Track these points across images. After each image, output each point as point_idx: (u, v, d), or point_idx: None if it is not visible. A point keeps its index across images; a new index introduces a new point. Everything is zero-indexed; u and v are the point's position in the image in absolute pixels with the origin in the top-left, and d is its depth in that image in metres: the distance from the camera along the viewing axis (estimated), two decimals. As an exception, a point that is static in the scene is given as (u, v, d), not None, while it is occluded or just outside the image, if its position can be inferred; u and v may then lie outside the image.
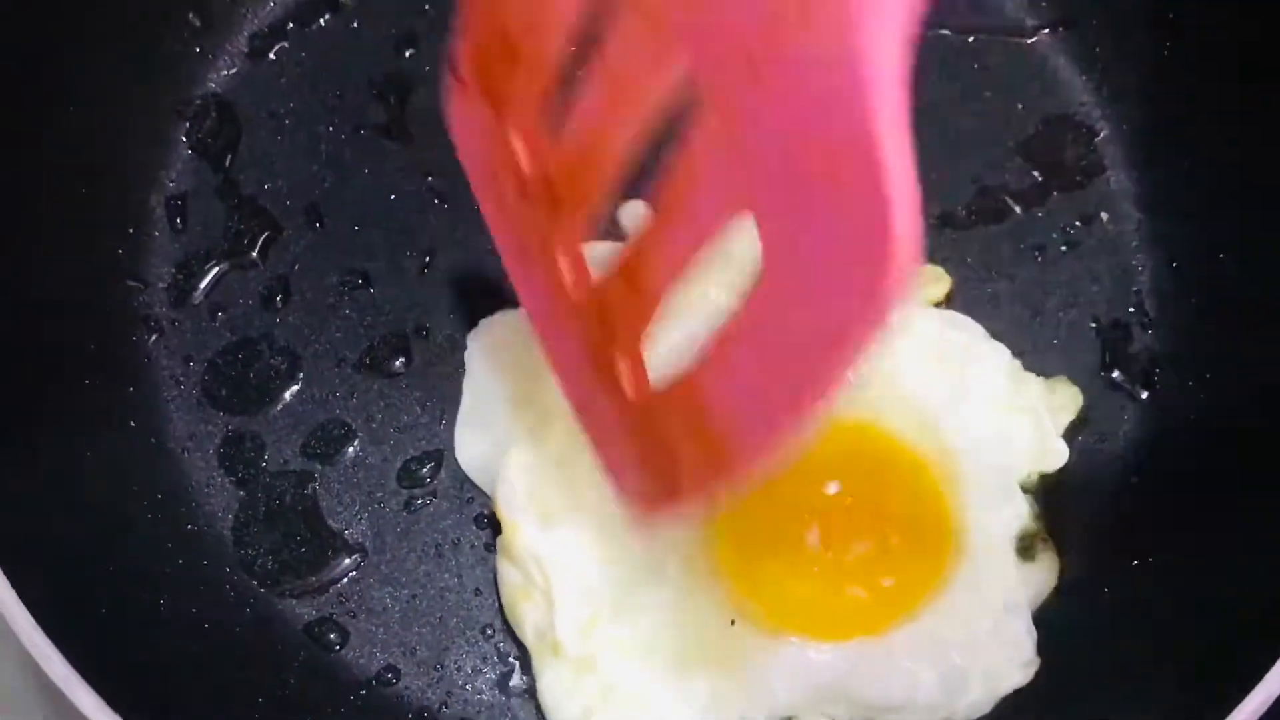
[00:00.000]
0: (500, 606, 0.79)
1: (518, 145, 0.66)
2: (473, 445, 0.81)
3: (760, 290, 0.54)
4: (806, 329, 0.52)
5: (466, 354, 0.83)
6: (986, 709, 0.75)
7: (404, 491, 0.81)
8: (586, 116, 0.62)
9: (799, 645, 0.74)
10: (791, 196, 0.50)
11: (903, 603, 0.75)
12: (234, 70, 0.89)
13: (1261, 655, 0.64)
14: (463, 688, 0.78)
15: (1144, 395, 0.83)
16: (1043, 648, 0.76)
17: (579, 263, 0.67)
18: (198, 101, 0.88)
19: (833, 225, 0.48)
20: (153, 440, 0.82)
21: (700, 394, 0.59)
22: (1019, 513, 0.78)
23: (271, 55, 0.89)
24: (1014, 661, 0.75)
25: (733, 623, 0.74)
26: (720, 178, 0.55)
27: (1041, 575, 0.78)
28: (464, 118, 0.70)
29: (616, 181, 0.62)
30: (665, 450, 0.63)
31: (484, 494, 0.81)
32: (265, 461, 0.82)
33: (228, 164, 0.87)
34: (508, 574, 0.78)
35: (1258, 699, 0.63)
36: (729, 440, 0.58)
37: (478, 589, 0.80)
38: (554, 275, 0.67)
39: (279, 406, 0.83)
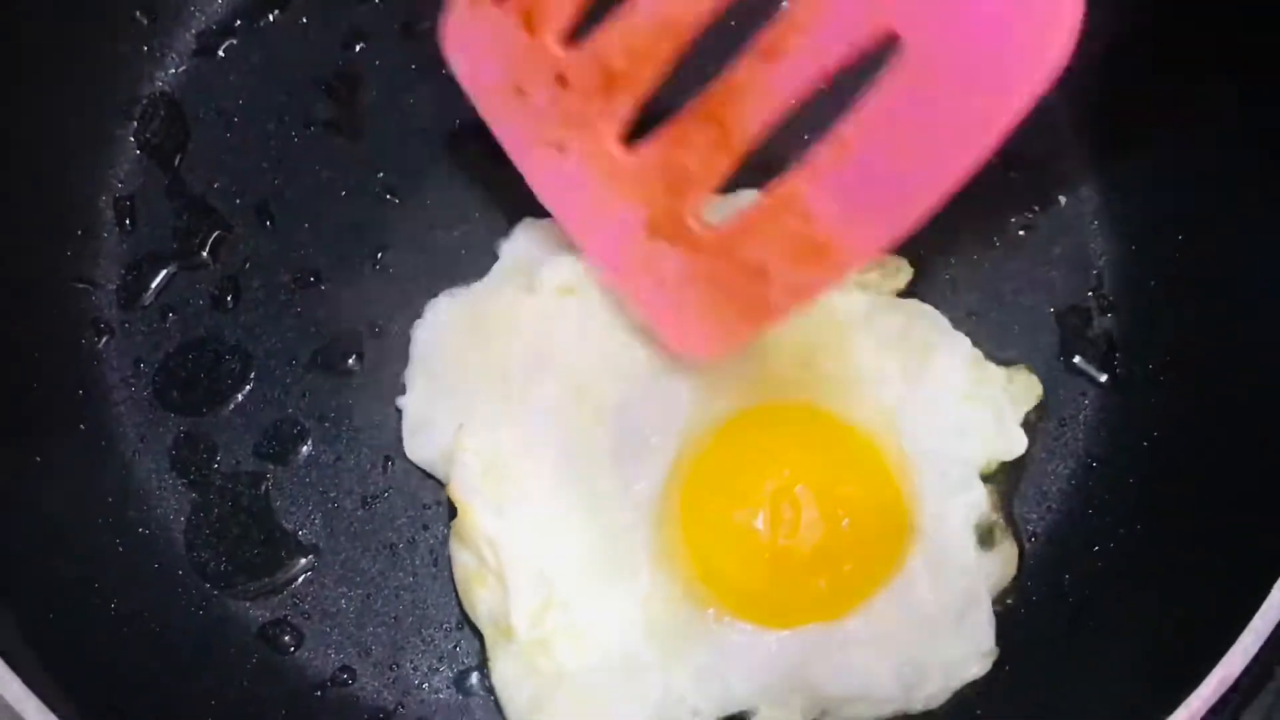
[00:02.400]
0: (457, 601, 0.78)
1: (553, 46, 0.72)
2: (421, 435, 0.81)
3: (896, 80, 0.61)
4: (953, 106, 0.60)
5: (411, 344, 0.82)
6: (943, 699, 0.75)
7: (358, 490, 0.81)
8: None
9: (755, 634, 0.74)
10: None
11: (858, 590, 0.74)
12: (182, 68, 0.88)
13: (1219, 639, 0.63)
14: (419, 687, 0.78)
15: (1104, 379, 0.82)
16: (1001, 635, 0.75)
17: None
18: (145, 101, 0.87)
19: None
20: (103, 444, 0.81)
21: (804, 201, 0.66)
22: (978, 501, 0.77)
23: (220, 53, 0.88)
24: (972, 652, 0.75)
25: (696, 610, 0.74)
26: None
27: (1001, 564, 0.78)
28: (473, 42, 0.75)
29: (685, 49, 0.68)
30: (751, 275, 0.69)
31: (438, 492, 0.80)
32: (218, 463, 0.81)
33: (177, 163, 0.86)
34: (461, 558, 0.77)
35: (1214, 682, 0.62)
36: (840, 238, 0.65)
37: (433, 587, 0.79)
38: (600, 157, 0.73)
39: (230, 407, 0.82)
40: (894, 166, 0.63)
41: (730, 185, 0.71)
